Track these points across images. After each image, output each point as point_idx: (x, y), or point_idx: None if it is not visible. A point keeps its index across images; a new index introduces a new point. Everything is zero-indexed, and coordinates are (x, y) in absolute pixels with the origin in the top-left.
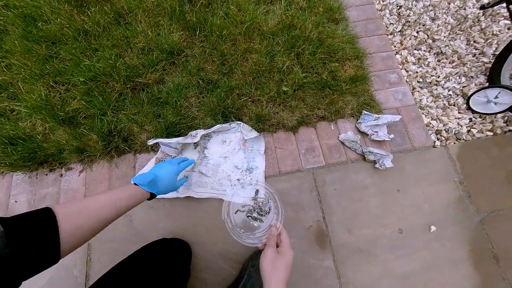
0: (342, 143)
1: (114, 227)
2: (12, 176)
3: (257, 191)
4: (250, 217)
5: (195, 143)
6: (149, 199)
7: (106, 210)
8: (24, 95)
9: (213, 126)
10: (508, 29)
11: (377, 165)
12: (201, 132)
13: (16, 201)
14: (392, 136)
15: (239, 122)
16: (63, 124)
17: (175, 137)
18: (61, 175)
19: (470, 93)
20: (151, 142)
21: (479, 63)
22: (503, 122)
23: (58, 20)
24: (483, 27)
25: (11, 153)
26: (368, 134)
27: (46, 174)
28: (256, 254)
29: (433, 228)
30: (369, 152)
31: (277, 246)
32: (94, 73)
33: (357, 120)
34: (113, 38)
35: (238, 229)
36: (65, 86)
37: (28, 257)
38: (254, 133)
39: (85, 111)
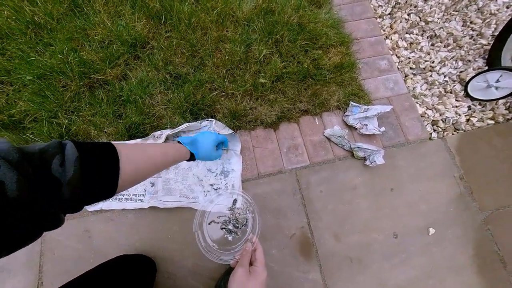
0: (328, 139)
1: (68, 243)
2: None
3: (235, 201)
4: (224, 229)
5: None
6: (188, 160)
7: (160, 159)
8: None
9: (180, 125)
10: (507, 7)
11: (367, 162)
12: (166, 132)
13: None
14: (383, 129)
15: (211, 119)
16: (5, 129)
17: (138, 139)
18: None
19: (468, 78)
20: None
21: (477, 46)
22: (505, 109)
23: (5, 12)
24: (480, 6)
25: None
26: (356, 128)
27: None
28: (230, 271)
29: (431, 230)
30: (358, 148)
31: (251, 264)
32: (43, 70)
33: (344, 112)
34: (67, 31)
35: (210, 243)
36: (13, 86)
37: (93, 187)
38: (228, 130)
39: (34, 114)
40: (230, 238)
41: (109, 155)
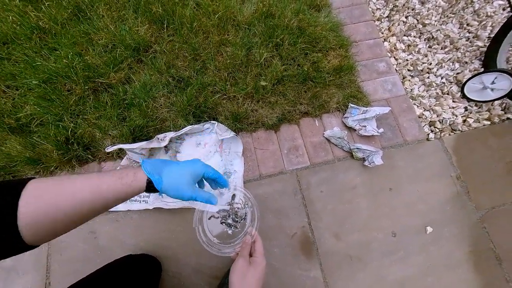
0: (328, 140)
1: (75, 244)
2: None
3: (233, 196)
4: (224, 224)
5: (165, 147)
6: (148, 191)
7: (89, 197)
8: None
9: (183, 128)
10: (503, 9)
11: (366, 163)
12: (170, 135)
13: None
14: (381, 130)
15: (214, 122)
16: (13, 133)
17: (142, 141)
18: None
19: (464, 80)
20: (110, 148)
21: (473, 48)
22: (501, 110)
23: (10, 17)
24: (476, 8)
25: None
26: (355, 129)
27: None
28: None
29: (429, 229)
30: (357, 149)
31: (251, 255)
32: (48, 75)
33: (344, 114)
34: (72, 36)
35: (211, 237)
36: (19, 90)
37: None
38: (230, 133)
39: (40, 117)
40: (230, 231)
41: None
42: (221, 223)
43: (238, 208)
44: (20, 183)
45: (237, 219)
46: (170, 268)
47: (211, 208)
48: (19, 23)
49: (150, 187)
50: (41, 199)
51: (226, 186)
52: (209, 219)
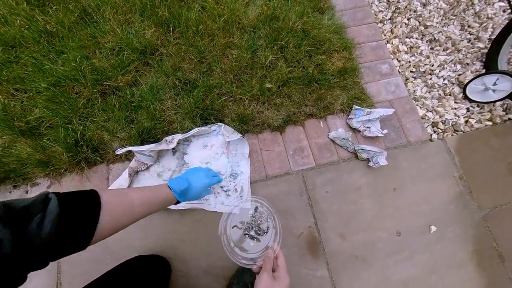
0: (333, 141)
1: None
2: None
3: (256, 208)
4: (247, 235)
5: (173, 149)
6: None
7: (141, 209)
8: None
9: (191, 130)
10: (504, 11)
11: (370, 164)
12: (177, 137)
13: None
14: (385, 131)
15: (220, 124)
16: (23, 136)
17: (151, 143)
18: (27, 191)
19: (466, 81)
20: (120, 151)
21: (475, 49)
22: (502, 111)
23: (18, 21)
24: (477, 10)
25: None
26: (360, 131)
27: (10, 192)
28: (243, 270)
29: (433, 228)
30: (362, 149)
31: (273, 270)
32: (57, 78)
33: (348, 115)
34: (79, 39)
35: (233, 247)
36: (28, 93)
37: (64, 242)
38: (237, 135)
39: (49, 120)
40: (251, 243)
41: (90, 210)
42: (244, 234)
43: (260, 221)
44: (94, 200)
45: (259, 232)
46: (179, 268)
47: (235, 212)
48: (27, 26)
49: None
50: (114, 214)
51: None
52: (232, 228)
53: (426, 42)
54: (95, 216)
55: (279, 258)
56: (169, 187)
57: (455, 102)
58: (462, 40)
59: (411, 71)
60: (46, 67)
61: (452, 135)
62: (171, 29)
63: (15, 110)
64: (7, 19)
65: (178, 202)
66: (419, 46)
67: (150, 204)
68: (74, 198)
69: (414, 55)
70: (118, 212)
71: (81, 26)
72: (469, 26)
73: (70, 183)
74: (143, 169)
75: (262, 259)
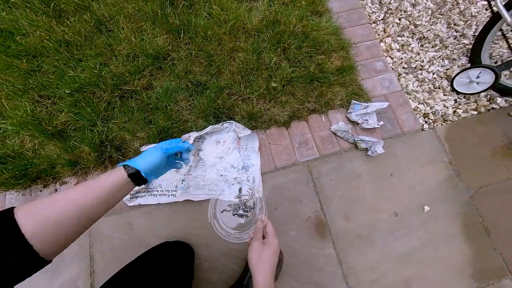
0: (334, 133)
1: (113, 235)
2: (5, 195)
3: (240, 189)
4: (236, 215)
5: None
6: (137, 184)
7: (80, 199)
8: (9, 112)
9: (205, 128)
10: (486, 9)
11: (369, 152)
12: (194, 134)
13: None
14: (381, 123)
15: (231, 121)
16: (52, 138)
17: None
18: (56, 190)
19: (453, 75)
20: (144, 148)
21: (460, 45)
22: (486, 101)
23: (37, 32)
24: (462, 9)
25: (1, 172)
26: (358, 123)
27: (41, 191)
28: None
29: (426, 208)
30: (361, 140)
31: (264, 237)
32: (79, 84)
33: (347, 110)
34: (96, 47)
35: (227, 228)
36: (51, 99)
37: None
38: (247, 131)
39: (74, 123)
40: (242, 221)
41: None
42: (233, 215)
43: (246, 199)
44: (3, 211)
45: (247, 209)
46: (201, 253)
47: (224, 197)
48: (47, 37)
49: (139, 179)
50: (36, 209)
51: (192, 147)
52: (221, 212)
53: (416, 40)
54: (11, 224)
55: (267, 226)
56: (124, 168)
57: (444, 95)
58: (449, 37)
59: (403, 67)
60: (69, 74)
61: (441, 125)
62: (181, 35)
63: (41, 115)
64: (28, 31)
65: (140, 182)
66: (410, 44)
67: (87, 192)
68: None
69: (405, 52)
70: (42, 211)
71: (97, 35)
72: (455, 24)
73: None
74: None
75: (253, 230)
